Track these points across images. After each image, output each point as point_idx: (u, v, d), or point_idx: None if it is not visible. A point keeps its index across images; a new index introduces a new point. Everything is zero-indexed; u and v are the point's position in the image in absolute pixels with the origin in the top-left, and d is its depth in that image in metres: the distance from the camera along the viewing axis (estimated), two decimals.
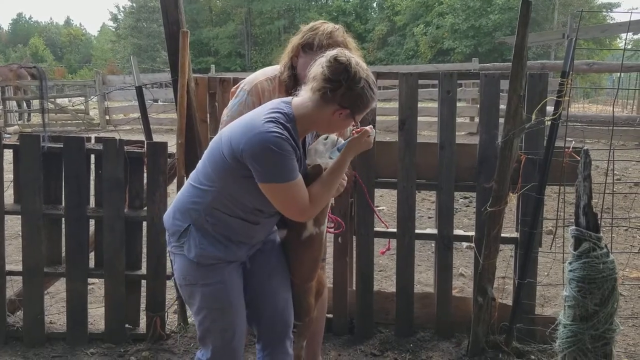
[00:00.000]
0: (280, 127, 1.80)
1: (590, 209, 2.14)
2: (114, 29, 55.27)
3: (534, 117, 2.67)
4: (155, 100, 15.16)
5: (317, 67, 1.86)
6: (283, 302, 2.14)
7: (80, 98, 16.22)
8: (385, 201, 6.27)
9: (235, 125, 1.90)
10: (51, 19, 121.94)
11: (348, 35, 2.32)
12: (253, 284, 2.12)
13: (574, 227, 2.18)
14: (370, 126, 2.00)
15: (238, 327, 2.04)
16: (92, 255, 3.16)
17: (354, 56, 1.88)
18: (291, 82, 2.34)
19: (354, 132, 1.98)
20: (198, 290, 1.99)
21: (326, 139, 2.02)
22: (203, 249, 1.94)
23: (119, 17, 51.96)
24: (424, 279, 4.15)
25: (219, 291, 1.98)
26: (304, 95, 1.89)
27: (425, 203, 6.45)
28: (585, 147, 2.22)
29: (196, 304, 2.01)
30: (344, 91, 1.82)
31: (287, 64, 2.36)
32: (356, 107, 1.86)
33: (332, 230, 2.62)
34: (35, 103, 15.60)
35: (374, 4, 47.13)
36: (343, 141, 2.00)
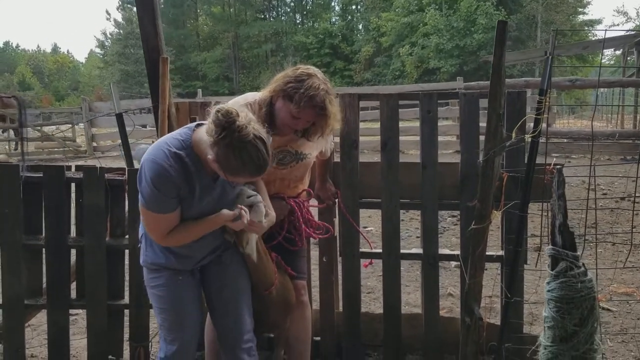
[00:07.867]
0: (171, 159, 1.94)
1: (566, 228, 2.12)
2: (101, 56, 55.49)
3: (514, 135, 2.67)
4: (144, 126, 15.14)
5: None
6: (234, 314, 2.24)
7: (67, 125, 16.15)
8: (374, 221, 6.24)
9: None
10: (38, 46, 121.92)
11: (330, 96, 2.32)
12: (208, 297, 2.29)
13: (550, 246, 2.17)
14: (242, 210, 2.04)
15: (185, 328, 2.18)
16: (73, 285, 3.10)
17: (248, 119, 1.88)
18: (267, 118, 2.35)
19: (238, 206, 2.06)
20: (149, 292, 2.22)
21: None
22: (147, 255, 2.17)
23: (106, 43, 52.16)
24: (413, 299, 4.12)
25: (162, 293, 2.16)
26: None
27: (414, 222, 6.44)
28: (559, 166, 2.23)
29: (154, 305, 2.23)
30: (218, 141, 1.85)
31: (267, 101, 2.37)
32: (224, 167, 1.89)
33: (318, 235, 2.72)
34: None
35: (360, 26, 47.80)
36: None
